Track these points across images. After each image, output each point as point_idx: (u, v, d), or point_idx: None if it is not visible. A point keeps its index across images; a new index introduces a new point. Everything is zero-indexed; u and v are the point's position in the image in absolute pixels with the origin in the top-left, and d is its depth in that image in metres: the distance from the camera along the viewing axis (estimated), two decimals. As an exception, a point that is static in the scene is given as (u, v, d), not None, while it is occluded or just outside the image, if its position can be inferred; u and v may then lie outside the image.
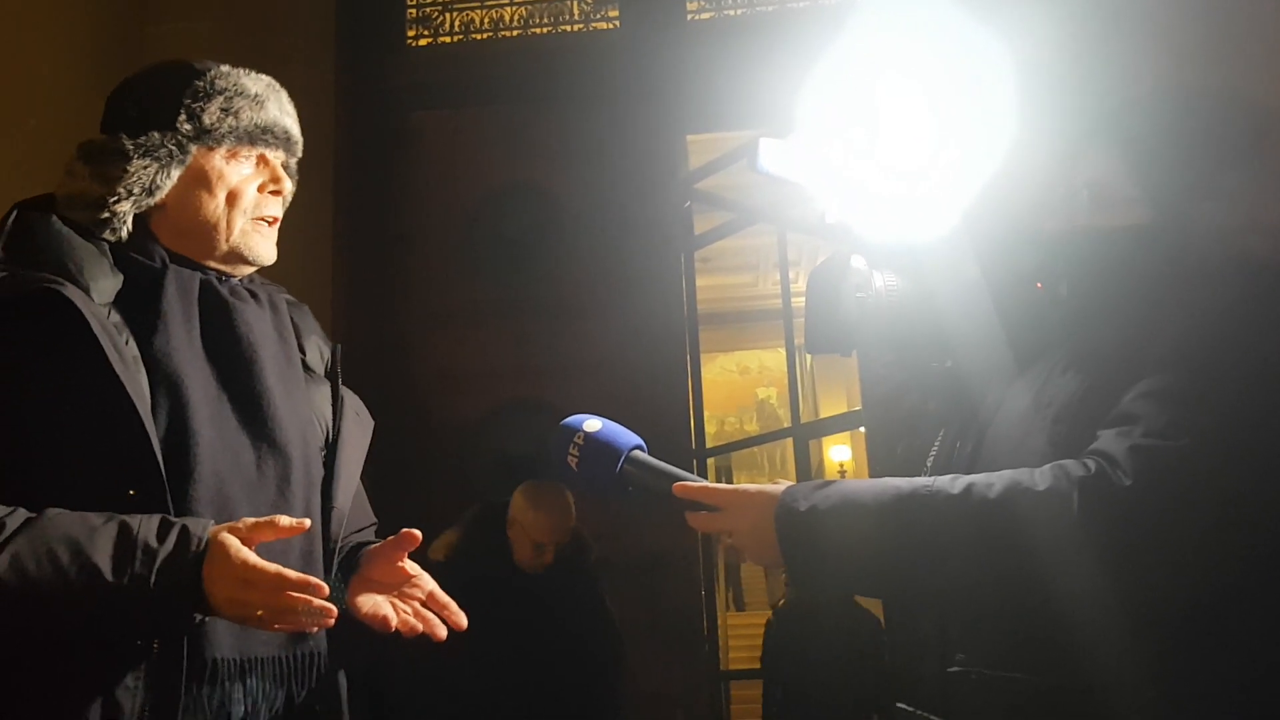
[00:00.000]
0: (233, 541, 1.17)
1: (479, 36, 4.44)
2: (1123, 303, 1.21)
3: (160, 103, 1.39)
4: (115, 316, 1.30)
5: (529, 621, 3.00)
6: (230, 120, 1.40)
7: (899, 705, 1.31)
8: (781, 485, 1.25)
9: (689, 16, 4.37)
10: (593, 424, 1.34)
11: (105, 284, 1.31)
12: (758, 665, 8.53)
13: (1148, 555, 1.05)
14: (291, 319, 1.51)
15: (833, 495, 1.20)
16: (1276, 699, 1.05)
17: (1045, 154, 1.31)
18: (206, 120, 1.39)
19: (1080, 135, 1.29)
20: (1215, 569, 1.05)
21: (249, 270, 1.47)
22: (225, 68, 1.44)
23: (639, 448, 1.33)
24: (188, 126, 1.38)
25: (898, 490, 1.18)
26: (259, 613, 1.17)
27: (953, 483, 1.15)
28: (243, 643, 1.27)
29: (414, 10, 4.45)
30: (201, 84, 1.41)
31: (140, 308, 1.32)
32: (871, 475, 3.77)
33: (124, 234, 1.36)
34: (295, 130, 1.49)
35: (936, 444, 1.42)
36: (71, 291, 1.24)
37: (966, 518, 1.12)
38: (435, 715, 2.85)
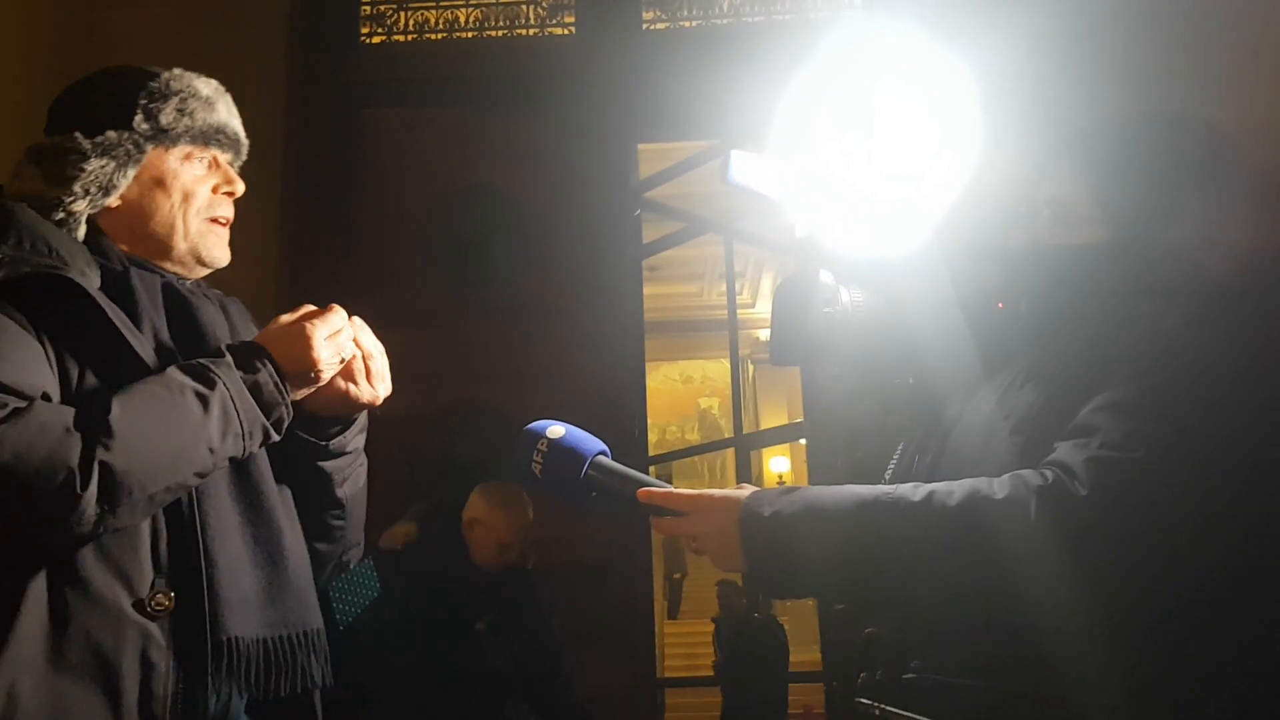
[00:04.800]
0: None
1: (433, 37, 4.41)
2: (1081, 318, 1.24)
3: (116, 103, 1.40)
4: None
5: (480, 616, 3.06)
6: (186, 120, 1.42)
7: (859, 700, 1.33)
8: (746, 490, 1.26)
9: (644, 26, 4.39)
10: (556, 430, 1.34)
11: (91, 275, 1.32)
12: (692, 673, 8.60)
13: (1104, 564, 1.07)
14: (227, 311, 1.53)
15: (796, 501, 1.22)
16: (1237, 707, 1.09)
17: (1010, 172, 1.35)
18: (164, 120, 1.40)
19: (1044, 155, 1.33)
20: (1172, 578, 1.08)
21: (204, 272, 1.48)
22: (177, 70, 1.45)
23: (603, 453, 1.33)
24: (145, 126, 1.39)
25: (859, 497, 1.20)
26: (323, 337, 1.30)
27: (914, 490, 1.17)
28: (251, 622, 1.28)
29: (368, 8, 4.41)
30: (157, 85, 1.42)
31: (115, 302, 1.32)
32: (812, 485, 3.82)
33: (79, 235, 1.36)
34: (242, 132, 1.51)
35: (895, 456, 1.44)
36: (76, 275, 1.25)
37: (926, 525, 1.14)
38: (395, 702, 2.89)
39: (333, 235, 4.13)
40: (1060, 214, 1.30)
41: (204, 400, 1.21)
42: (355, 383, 1.40)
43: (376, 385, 1.42)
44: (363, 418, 1.49)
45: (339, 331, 1.36)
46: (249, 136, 1.52)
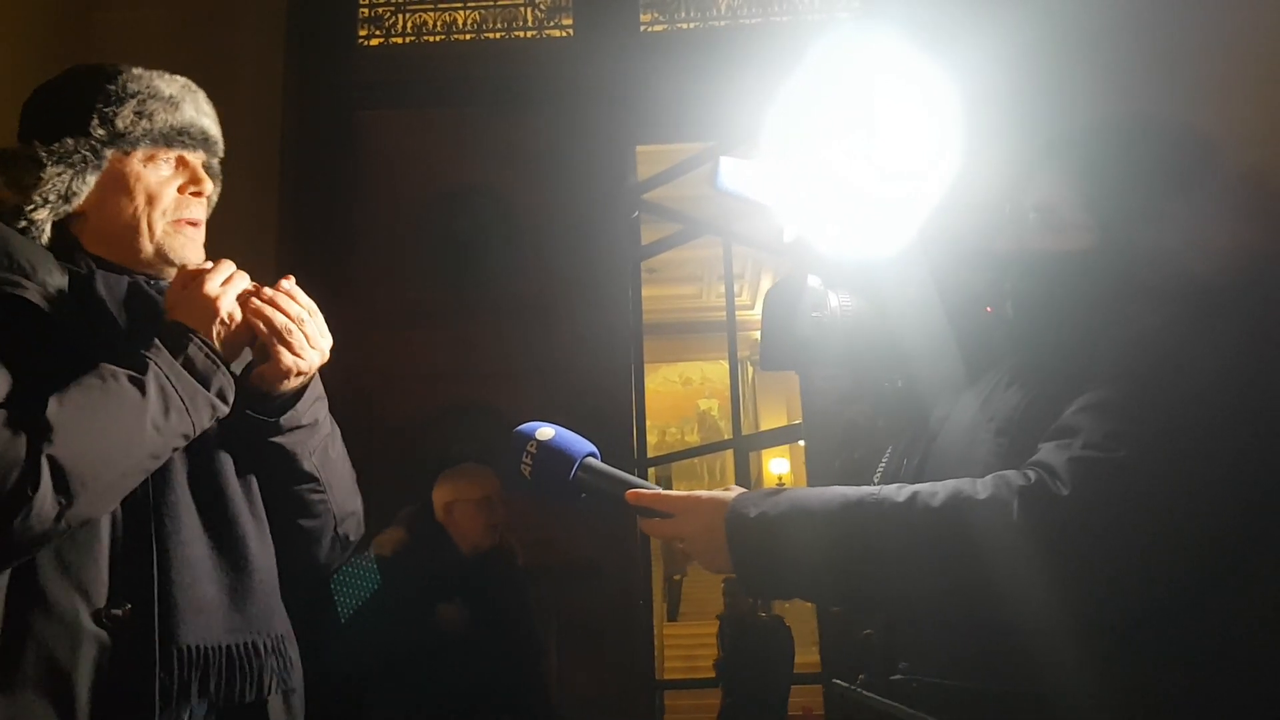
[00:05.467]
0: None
1: (431, 39, 4.42)
2: (1066, 320, 1.25)
3: (72, 108, 1.38)
4: (69, 306, 1.31)
5: (472, 611, 3.10)
6: (144, 123, 1.40)
7: (834, 681, 1.33)
8: (733, 491, 1.27)
9: (642, 28, 4.40)
10: (545, 432, 1.35)
11: (56, 281, 1.32)
12: (691, 675, 8.58)
13: (1086, 563, 1.08)
14: None
15: (782, 503, 1.22)
16: (1220, 705, 1.09)
17: (995, 177, 1.35)
18: (120, 124, 1.38)
19: (1029, 160, 1.34)
20: (1153, 577, 1.09)
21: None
22: (138, 70, 1.43)
23: (592, 455, 1.34)
24: (101, 131, 1.37)
25: (844, 498, 1.21)
26: (222, 295, 1.31)
27: (898, 491, 1.18)
28: (210, 629, 1.28)
29: (366, 10, 4.42)
30: (114, 88, 1.39)
31: (78, 308, 1.32)
32: (811, 487, 3.82)
33: (44, 241, 1.36)
34: (213, 130, 1.49)
35: (885, 459, 1.45)
36: (34, 294, 1.25)
37: (910, 525, 1.15)
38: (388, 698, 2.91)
39: (331, 236, 4.14)
40: (1047, 219, 1.30)
41: (139, 383, 1.22)
42: (289, 351, 1.37)
43: (309, 349, 1.39)
44: (315, 387, 1.45)
45: (231, 278, 1.36)
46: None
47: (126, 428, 1.20)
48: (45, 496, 1.12)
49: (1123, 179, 1.27)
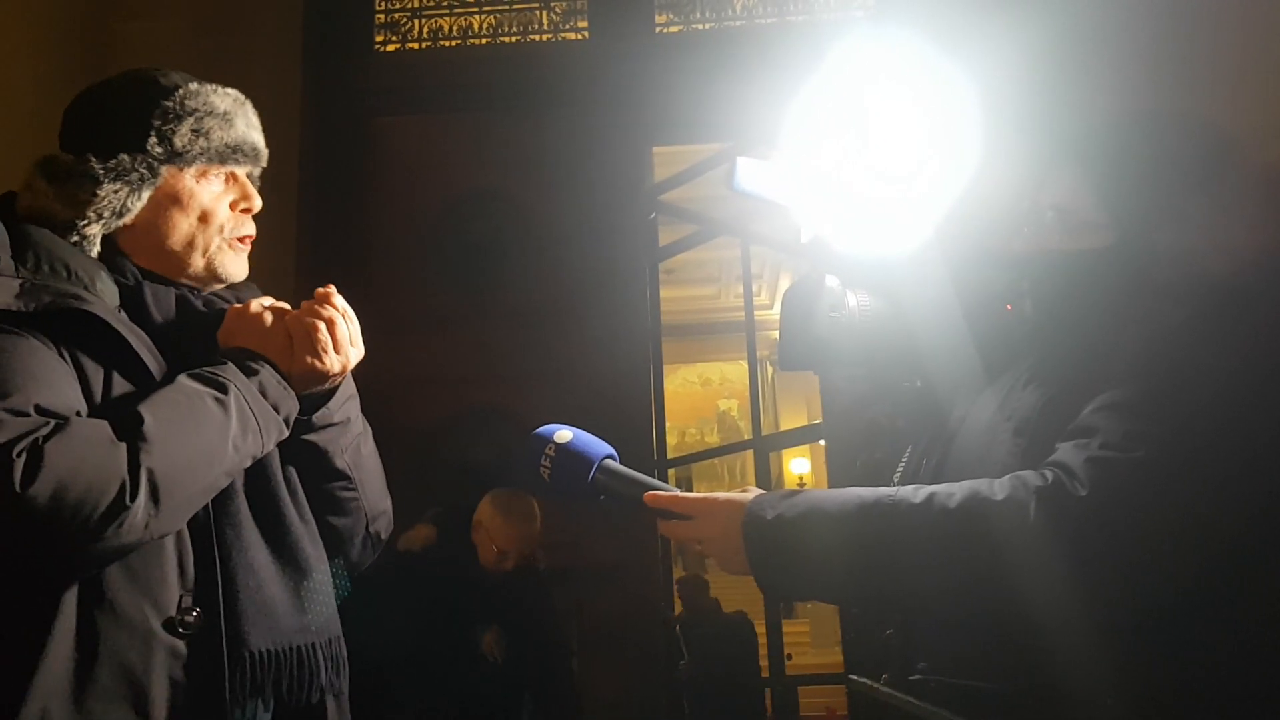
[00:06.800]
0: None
1: (447, 43, 4.44)
2: (1084, 320, 1.25)
3: (128, 123, 1.37)
4: (123, 317, 1.32)
5: (492, 616, 3.16)
6: (201, 141, 1.39)
7: (851, 677, 1.33)
8: (751, 493, 1.27)
9: (657, 29, 4.40)
10: (564, 434, 1.35)
11: (110, 293, 1.33)
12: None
13: (1103, 563, 1.07)
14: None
15: (799, 504, 1.23)
16: (1234, 705, 1.09)
17: (1012, 177, 1.35)
18: (178, 143, 1.38)
19: (1046, 159, 1.33)
20: (1170, 577, 1.08)
21: (220, 287, 1.47)
22: (194, 85, 1.42)
23: (611, 457, 1.34)
24: (159, 149, 1.37)
25: (861, 500, 1.21)
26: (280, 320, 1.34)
27: (915, 492, 1.18)
28: (277, 633, 1.29)
29: (382, 16, 4.45)
30: (171, 104, 1.39)
31: (131, 319, 1.33)
32: (831, 487, 3.83)
33: (94, 254, 1.36)
34: (262, 143, 1.49)
35: (904, 459, 1.44)
36: (99, 307, 1.26)
37: (927, 526, 1.15)
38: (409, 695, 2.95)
39: (348, 242, 4.16)
40: (1064, 218, 1.29)
41: (222, 404, 1.24)
42: (325, 351, 1.37)
43: (347, 348, 1.40)
44: (347, 386, 1.46)
45: (272, 305, 1.40)
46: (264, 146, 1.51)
47: (211, 445, 1.22)
48: (140, 507, 1.14)
49: (1140, 177, 1.26)
